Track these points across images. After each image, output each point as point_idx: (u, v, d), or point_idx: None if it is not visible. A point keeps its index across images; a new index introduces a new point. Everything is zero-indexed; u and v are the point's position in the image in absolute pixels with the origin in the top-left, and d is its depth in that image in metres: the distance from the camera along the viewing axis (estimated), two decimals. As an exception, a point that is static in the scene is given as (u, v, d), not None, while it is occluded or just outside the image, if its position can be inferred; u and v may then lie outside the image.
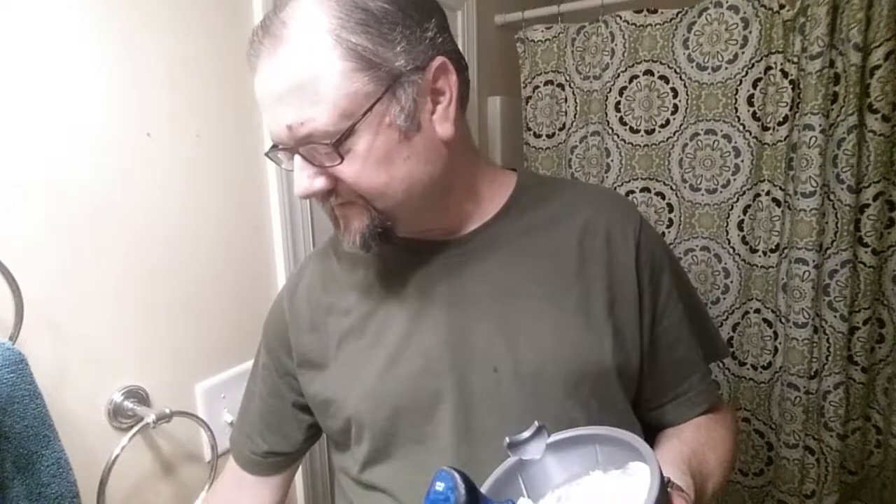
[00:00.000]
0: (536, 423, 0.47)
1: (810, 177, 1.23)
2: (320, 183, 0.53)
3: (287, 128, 0.50)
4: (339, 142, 0.50)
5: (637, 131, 1.45)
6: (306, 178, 0.52)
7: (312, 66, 0.49)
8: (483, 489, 0.44)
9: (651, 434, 0.67)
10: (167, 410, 0.77)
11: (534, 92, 1.58)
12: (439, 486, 0.39)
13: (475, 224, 0.63)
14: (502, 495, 0.45)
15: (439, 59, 0.53)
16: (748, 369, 1.42)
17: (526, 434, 0.47)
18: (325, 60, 0.49)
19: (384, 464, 0.62)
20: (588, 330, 0.59)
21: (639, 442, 0.43)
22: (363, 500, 0.65)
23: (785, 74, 1.25)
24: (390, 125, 0.52)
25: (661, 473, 0.39)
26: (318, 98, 0.49)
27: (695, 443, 0.61)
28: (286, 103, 0.50)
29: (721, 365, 1.47)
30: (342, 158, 0.51)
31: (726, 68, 1.33)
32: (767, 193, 1.32)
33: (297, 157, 0.52)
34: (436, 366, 0.59)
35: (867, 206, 1.22)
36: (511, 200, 0.64)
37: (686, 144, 1.40)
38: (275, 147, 0.55)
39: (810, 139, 1.22)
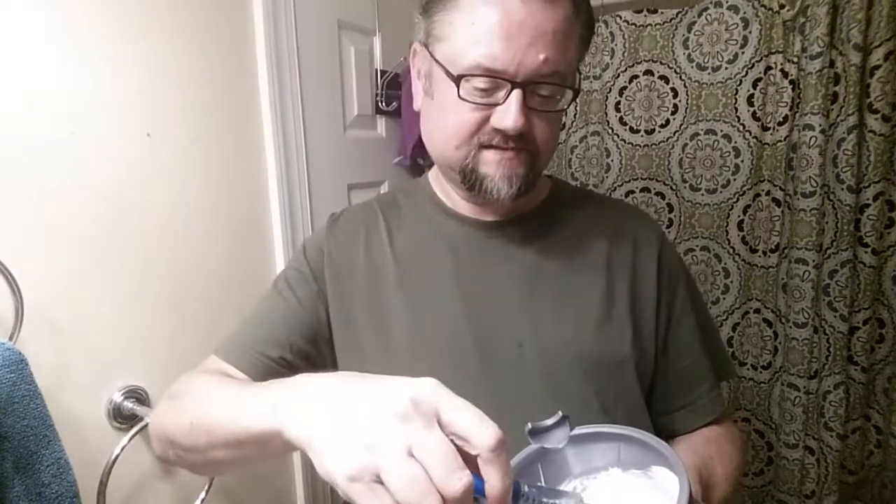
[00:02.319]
0: (560, 412, 0.46)
1: (810, 177, 1.23)
2: (526, 122, 0.58)
3: (543, 60, 0.55)
4: (577, 89, 0.60)
5: (637, 131, 1.45)
6: (522, 115, 0.56)
7: (574, 21, 0.58)
8: None
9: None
10: (167, 410, 0.77)
11: (534, 92, 1.58)
12: None
13: (518, 212, 0.68)
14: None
15: None
16: (748, 369, 1.41)
17: (549, 422, 0.46)
18: (578, 21, 0.58)
19: None
20: (610, 320, 0.63)
21: (667, 448, 0.42)
22: None
23: (785, 74, 1.25)
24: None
25: (690, 483, 0.38)
26: (566, 47, 0.57)
27: (706, 454, 0.63)
28: (551, 40, 0.55)
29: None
30: (570, 103, 0.60)
31: (726, 68, 1.33)
32: (767, 193, 1.32)
33: (516, 93, 0.56)
34: (461, 336, 0.62)
35: (867, 206, 1.22)
36: (550, 197, 0.71)
37: (686, 144, 1.40)
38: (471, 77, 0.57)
39: (810, 139, 1.22)
